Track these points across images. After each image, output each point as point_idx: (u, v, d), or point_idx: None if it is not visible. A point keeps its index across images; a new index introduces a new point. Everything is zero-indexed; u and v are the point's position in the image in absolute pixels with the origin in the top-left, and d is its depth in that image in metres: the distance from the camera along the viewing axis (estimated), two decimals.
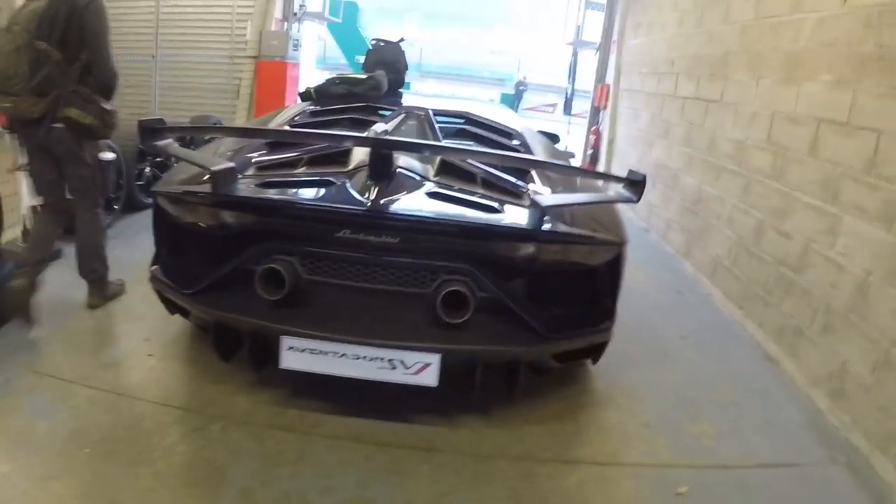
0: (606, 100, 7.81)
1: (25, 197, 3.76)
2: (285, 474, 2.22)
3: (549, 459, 2.44)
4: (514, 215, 2.42)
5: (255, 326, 2.34)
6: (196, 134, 4.09)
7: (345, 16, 12.77)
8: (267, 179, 2.53)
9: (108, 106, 3.05)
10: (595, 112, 8.26)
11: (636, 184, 2.40)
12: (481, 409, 2.65)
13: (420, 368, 2.24)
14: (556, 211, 2.40)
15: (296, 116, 3.33)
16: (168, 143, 2.58)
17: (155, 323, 3.16)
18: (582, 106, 11.22)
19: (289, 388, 2.69)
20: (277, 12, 7.63)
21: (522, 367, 2.46)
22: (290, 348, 2.26)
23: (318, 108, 3.51)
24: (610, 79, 7.86)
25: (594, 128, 8.05)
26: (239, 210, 2.39)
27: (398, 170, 2.48)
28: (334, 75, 3.95)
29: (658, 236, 5.73)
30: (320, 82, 3.90)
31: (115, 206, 4.73)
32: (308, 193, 2.48)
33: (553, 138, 4.64)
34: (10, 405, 2.48)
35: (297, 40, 7.82)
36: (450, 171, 2.67)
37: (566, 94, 12.06)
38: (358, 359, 2.23)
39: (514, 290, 2.40)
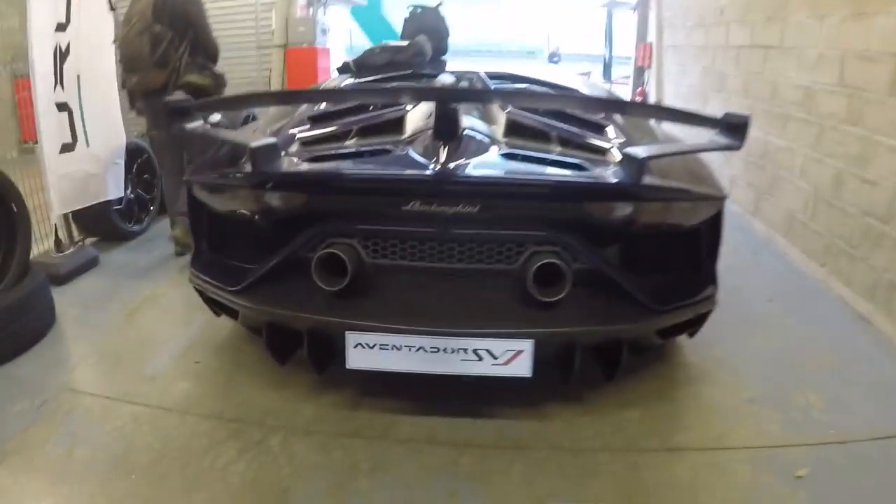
0: (650, 59, 7.37)
1: (56, 207, 3.54)
2: (361, 489, 1.91)
3: (653, 448, 2.15)
4: (605, 172, 2.07)
5: (314, 323, 2.03)
6: (230, 108, 3.80)
7: (369, 1, 12.50)
8: (315, 154, 2.21)
9: (217, 70, 3.77)
10: (639, 73, 7.80)
11: (737, 127, 2.00)
12: (571, 397, 2.36)
13: (511, 357, 1.91)
14: (650, 165, 2.03)
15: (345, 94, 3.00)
16: (199, 124, 2.28)
17: (201, 328, 2.90)
18: (620, 72, 10.72)
19: (354, 389, 2.39)
20: None
21: (625, 347, 2.10)
22: (358, 345, 1.94)
23: (359, 80, 3.19)
24: (652, 37, 7.40)
25: (640, 89, 7.60)
26: (286, 190, 2.08)
27: (464, 131, 2.14)
28: (373, 46, 3.64)
29: None
30: (358, 55, 3.61)
31: (151, 207, 4.51)
32: (364, 165, 2.14)
33: None
34: (48, 431, 2.22)
35: (325, 26, 7.52)
36: (519, 130, 2.32)
37: (603, 59, 11.48)
38: (437, 352, 1.91)
39: (612, 259, 2.07)
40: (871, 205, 3.10)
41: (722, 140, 2.01)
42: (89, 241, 4.03)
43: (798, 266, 3.82)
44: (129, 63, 3.68)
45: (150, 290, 3.40)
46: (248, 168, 2.04)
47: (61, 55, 3.54)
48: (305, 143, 2.33)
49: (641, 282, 2.04)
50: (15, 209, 2.98)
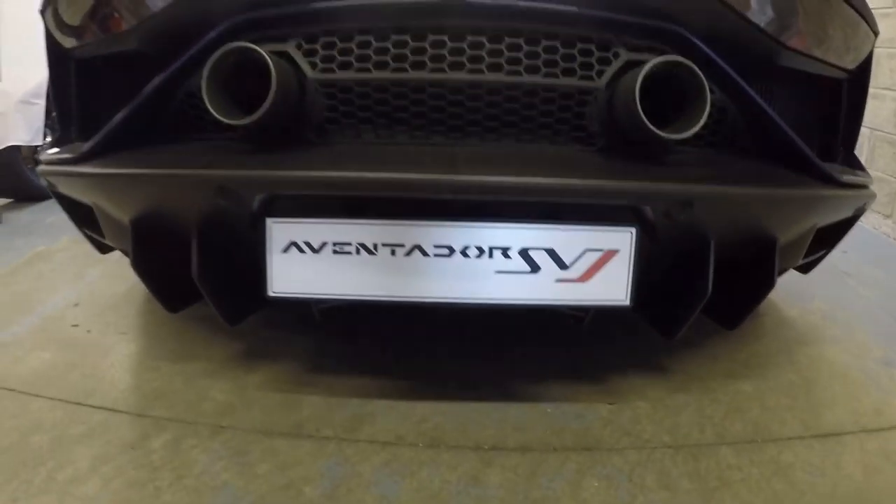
0: None
1: None
2: None
3: (795, 436, 1.35)
4: None
5: (209, 196, 1.04)
6: None
7: None
8: None
9: None
10: None
11: None
12: (646, 366, 1.59)
13: (594, 265, 1.04)
14: None
15: None
16: None
17: (92, 284, 2.09)
18: None
19: (298, 357, 1.57)
20: None
21: (777, 259, 1.25)
22: (291, 245, 1.06)
23: None
24: None
25: None
26: None
27: None
28: None
29: None
30: None
31: None
32: None
33: None
34: None
35: None
36: None
37: None
38: (448, 255, 1.03)
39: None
40: None
41: None
42: None
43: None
44: None
45: (44, 247, 2.56)
46: None
47: None
48: None
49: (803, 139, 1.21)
50: None
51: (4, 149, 3.09)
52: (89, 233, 1.61)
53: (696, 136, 1.02)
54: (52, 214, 3.05)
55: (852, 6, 1.32)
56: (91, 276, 2.16)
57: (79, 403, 1.41)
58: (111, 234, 1.43)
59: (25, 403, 1.42)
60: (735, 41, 1.12)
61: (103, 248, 1.69)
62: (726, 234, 1.17)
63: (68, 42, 1.42)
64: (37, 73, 3.17)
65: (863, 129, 1.64)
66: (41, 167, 1.45)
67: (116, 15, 1.22)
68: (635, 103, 0.98)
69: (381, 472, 1.16)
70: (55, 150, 1.40)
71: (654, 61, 0.99)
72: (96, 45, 1.35)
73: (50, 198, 1.85)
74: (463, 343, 1.71)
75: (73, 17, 1.37)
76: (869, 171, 1.57)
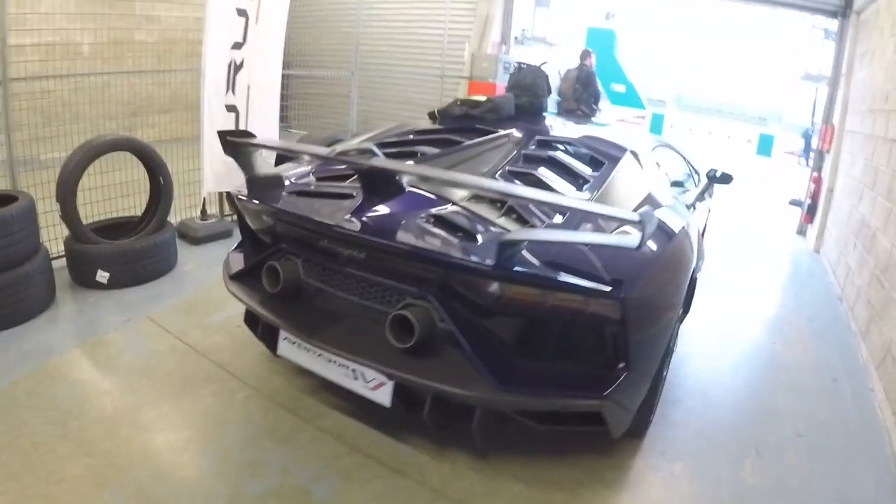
0: (830, 142, 6.94)
1: (206, 185, 4.66)
2: (265, 446, 2.53)
3: None
4: (474, 247, 2.23)
5: (261, 315, 2.61)
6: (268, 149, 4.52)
7: (602, 44, 13.03)
8: (299, 188, 2.77)
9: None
10: (819, 156, 7.35)
11: (641, 225, 1.98)
12: (479, 453, 2.58)
13: (376, 385, 2.32)
14: (527, 247, 2.19)
15: (394, 132, 3.56)
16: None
17: None
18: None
19: (319, 381, 2.90)
20: (496, 35, 8.13)
21: (478, 413, 2.31)
22: (285, 339, 2.55)
23: (423, 127, 3.66)
24: (836, 118, 6.98)
25: (815, 175, 7.16)
26: (267, 214, 2.70)
27: (409, 189, 2.52)
28: (457, 98, 4.19)
29: (847, 308, 4.98)
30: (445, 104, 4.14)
31: None
32: (314, 202, 2.60)
33: (724, 178, 4.43)
34: (117, 338, 3.25)
35: (510, 63, 8.26)
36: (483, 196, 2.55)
37: (807, 134, 10.74)
38: (331, 362, 2.40)
39: (476, 329, 2.24)
40: None
41: (622, 239, 2.07)
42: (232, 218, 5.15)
43: (875, 407, 3.41)
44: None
45: None
46: (246, 191, 2.76)
47: (236, 67, 4.68)
48: (320, 178, 2.89)
49: (495, 357, 2.20)
50: (162, 181, 4.09)
51: None
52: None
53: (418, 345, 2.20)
54: None
55: (578, 290, 2.16)
56: None
57: (220, 366, 3.06)
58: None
59: (199, 359, 3.10)
60: (474, 306, 2.25)
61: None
62: (432, 392, 2.26)
63: (249, 225, 3.01)
64: (270, 135, 5.01)
65: None
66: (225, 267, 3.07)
67: (262, 233, 2.84)
68: (387, 325, 2.22)
69: (308, 438, 2.63)
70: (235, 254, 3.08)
71: (395, 312, 2.22)
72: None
73: None
74: (377, 407, 2.89)
75: (252, 224, 2.91)
76: None
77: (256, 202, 2.70)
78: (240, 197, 2.79)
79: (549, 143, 3.30)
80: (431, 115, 4.08)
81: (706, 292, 4.52)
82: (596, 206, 2.39)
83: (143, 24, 7.42)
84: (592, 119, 8.77)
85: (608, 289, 2.12)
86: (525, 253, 2.19)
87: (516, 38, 8.83)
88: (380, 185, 2.47)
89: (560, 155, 3.09)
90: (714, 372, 3.57)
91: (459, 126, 3.60)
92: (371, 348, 2.29)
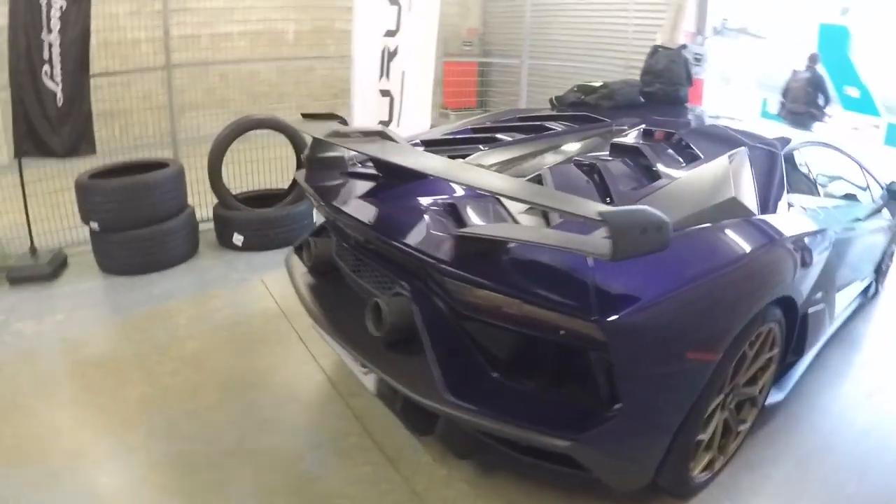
0: None
1: None
2: (290, 408, 2.67)
3: None
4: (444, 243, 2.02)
5: (294, 286, 2.63)
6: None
7: (834, 42, 11.71)
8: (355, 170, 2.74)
9: None
10: None
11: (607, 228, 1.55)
12: (486, 468, 2.38)
13: (367, 371, 2.25)
14: (484, 246, 1.90)
15: (501, 116, 3.48)
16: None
17: None
18: None
19: None
20: (689, 24, 7.52)
21: (441, 421, 2.10)
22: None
23: (531, 114, 3.47)
24: None
25: None
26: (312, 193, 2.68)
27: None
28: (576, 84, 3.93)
29: None
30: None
31: None
32: (338, 185, 2.59)
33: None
34: (227, 294, 3.68)
35: (700, 55, 7.58)
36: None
37: None
38: (342, 346, 2.33)
39: (447, 331, 2.01)
40: None
41: (593, 245, 1.62)
42: None
43: None
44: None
45: None
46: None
47: (389, 54, 4.92)
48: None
49: (456, 364, 1.96)
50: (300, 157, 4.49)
51: None
52: None
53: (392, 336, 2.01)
54: None
55: (542, 304, 1.82)
56: None
57: (296, 331, 3.31)
58: None
59: (288, 326, 3.38)
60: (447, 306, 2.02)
61: None
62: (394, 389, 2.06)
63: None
64: (422, 120, 5.20)
65: None
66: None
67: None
68: (365, 318, 2.06)
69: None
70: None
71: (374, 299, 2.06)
72: None
73: None
74: None
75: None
76: None
77: (300, 181, 2.78)
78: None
79: (650, 134, 2.97)
80: (552, 101, 3.94)
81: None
82: (552, 197, 1.97)
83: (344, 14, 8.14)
84: (821, 122, 7.86)
85: (573, 303, 1.74)
86: (510, 254, 1.92)
87: (715, 28, 8.02)
88: (391, 169, 2.44)
89: (648, 148, 2.77)
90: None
91: (569, 113, 3.42)
92: (359, 334, 2.18)
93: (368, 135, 2.57)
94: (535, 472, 2.29)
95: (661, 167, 2.52)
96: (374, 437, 2.52)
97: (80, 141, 4.05)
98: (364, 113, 4.84)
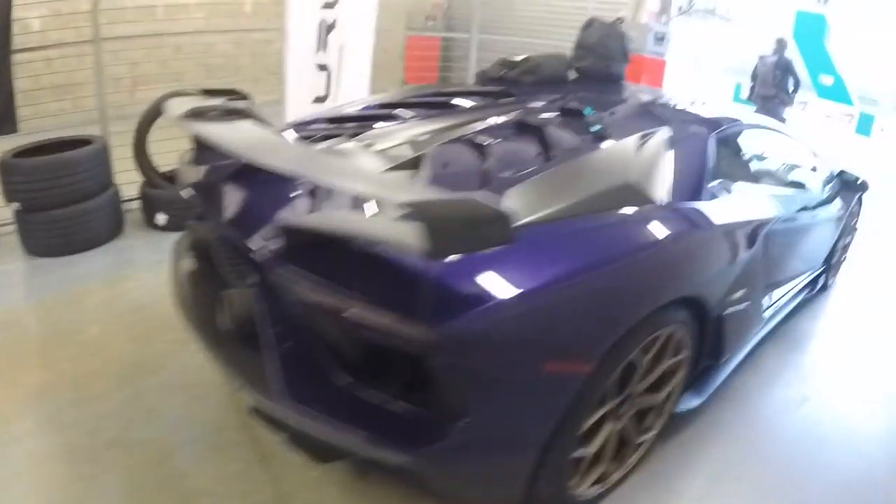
0: None
1: None
2: (176, 399, 2.67)
3: None
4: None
5: None
6: None
7: (810, 30, 11.80)
8: None
9: None
10: None
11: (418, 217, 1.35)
12: (360, 472, 2.24)
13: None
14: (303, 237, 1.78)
15: (413, 93, 3.22)
16: None
17: None
18: None
19: None
20: (654, 4, 7.38)
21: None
22: None
23: (448, 89, 3.27)
24: None
25: None
26: None
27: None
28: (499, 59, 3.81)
29: None
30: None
31: None
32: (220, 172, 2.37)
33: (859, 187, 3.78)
34: (141, 276, 3.68)
35: (663, 34, 7.47)
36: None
37: None
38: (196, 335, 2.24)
39: (291, 327, 1.83)
40: None
41: (407, 238, 1.40)
42: None
43: None
44: None
45: None
46: None
47: (327, 27, 4.82)
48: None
49: (294, 365, 1.79)
50: None
51: None
52: None
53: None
54: None
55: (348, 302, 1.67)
56: None
57: None
58: None
59: None
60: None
61: None
62: None
63: None
64: (361, 94, 5.00)
65: None
66: None
67: None
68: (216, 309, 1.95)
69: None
70: None
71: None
72: None
73: None
74: None
75: None
76: None
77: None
78: None
79: (574, 112, 2.68)
80: (476, 76, 3.84)
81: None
82: (355, 179, 1.75)
83: None
84: (788, 107, 7.82)
85: (405, 305, 1.56)
86: (346, 246, 1.72)
87: (681, 7, 7.87)
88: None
89: (551, 128, 2.58)
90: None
91: (484, 89, 3.27)
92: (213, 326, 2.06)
93: (230, 113, 2.25)
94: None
95: (559, 149, 2.29)
96: (252, 432, 2.49)
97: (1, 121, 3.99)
98: (299, 88, 4.77)
